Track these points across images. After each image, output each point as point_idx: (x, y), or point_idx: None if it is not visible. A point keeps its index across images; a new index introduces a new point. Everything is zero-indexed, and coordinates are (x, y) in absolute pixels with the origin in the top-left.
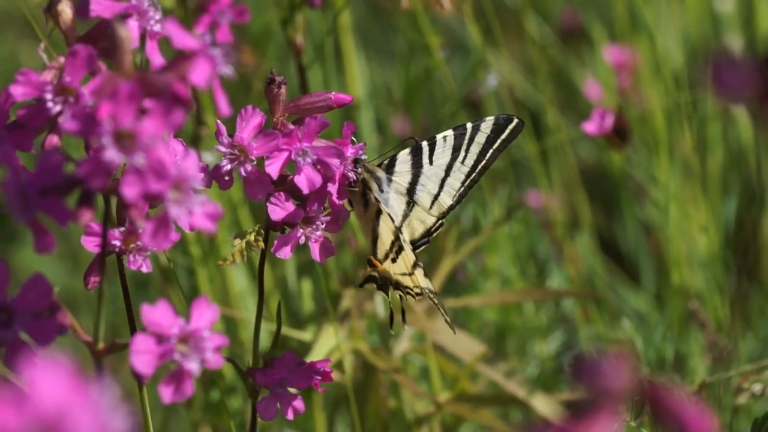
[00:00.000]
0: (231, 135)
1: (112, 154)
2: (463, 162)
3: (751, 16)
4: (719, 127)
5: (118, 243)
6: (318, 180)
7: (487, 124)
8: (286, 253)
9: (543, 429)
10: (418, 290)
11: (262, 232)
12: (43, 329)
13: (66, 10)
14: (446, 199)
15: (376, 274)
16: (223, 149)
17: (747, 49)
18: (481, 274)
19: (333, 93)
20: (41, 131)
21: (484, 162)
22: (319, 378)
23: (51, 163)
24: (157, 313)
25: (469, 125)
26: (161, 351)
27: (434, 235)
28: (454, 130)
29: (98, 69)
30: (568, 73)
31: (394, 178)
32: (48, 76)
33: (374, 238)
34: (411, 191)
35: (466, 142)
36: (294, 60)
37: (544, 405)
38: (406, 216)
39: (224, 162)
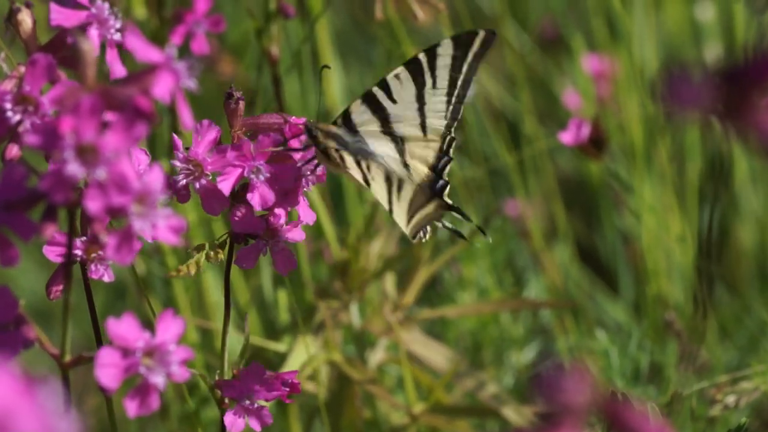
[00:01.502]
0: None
1: (74, 168)
2: (434, 86)
3: (730, 24)
4: (696, 137)
5: (79, 252)
6: (271, 198)
7: (445, 47)
8: (249, 263)
9: None
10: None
11: (225, 243)
12: (7, 342)
13: (26, 20)
14: (437, 122)
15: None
16: (178, 164)
17: (726, 59)
18: (458, 284)
19: (292, 117)
20: (1, 141)
21: (463, 76)
22: (287, 389)
23: (14, 177)
24: (123, 327)
25: (421, 55)
26: (126, 364)
27: (445, 172)
28: (404, 65)
29: (58, 78)
30: (547, 82)
31: (359, 128)
32: (8, 85)
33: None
34: (388, 132)
35: (426, 69)
36: (269, 70)
37: (518, 416)
38: (402, 152)
39: (180, 177)
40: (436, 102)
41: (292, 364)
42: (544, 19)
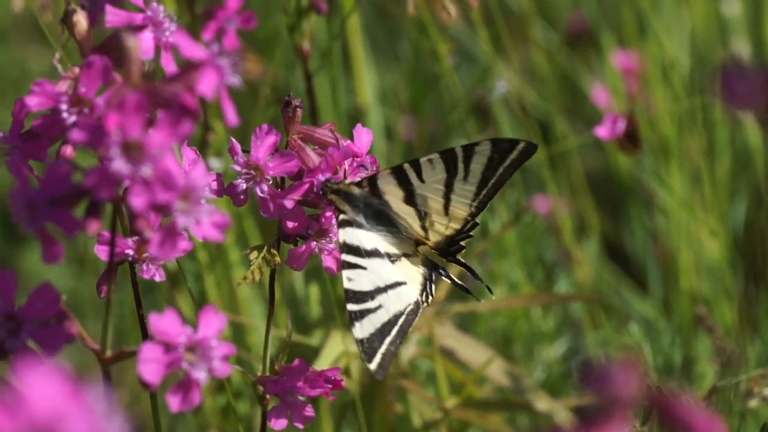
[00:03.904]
0: (245, 151)
1: (119, 165)
2: (465, 179)
3: (758, 20)
4: (727, 132)
5: (131, 252)
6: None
7: (483, 147)
8: (299, 264)
9: None
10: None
11: (275, 244)
12: (50, 338)
13: (81, 21)
14: (460, 208)
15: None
16: (238, 168)
17: (754, 54)
18: (489, 278)
19: (348, 142)
20: (56, 141)
21: (495, 177)
22: (330, 386)
23: (59, 174)
24: (165, 322)
25: (458, 149)
26: (169, 360)
27: (460, 243)
28: (439, 153)
29: (113, 80)
30: (575, 79)
31: (384, 195)
32: (63, 86)
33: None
34: (411, 203)
35: (460, 161)
36: (301, 66)
37: (551, 410)
38: (423, 219)
39: (240, 181)
40: (465, 191)
41: (325, 359)
42: (572, 15)
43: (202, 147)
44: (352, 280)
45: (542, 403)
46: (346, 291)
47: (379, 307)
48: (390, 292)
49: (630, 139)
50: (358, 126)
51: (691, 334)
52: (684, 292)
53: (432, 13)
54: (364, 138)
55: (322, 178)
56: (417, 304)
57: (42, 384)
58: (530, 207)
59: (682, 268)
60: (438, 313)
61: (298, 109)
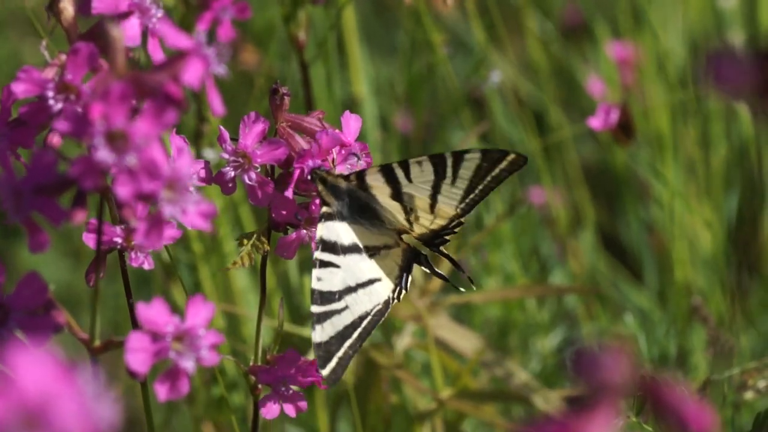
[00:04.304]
0: (233, 139)
1: (104, 155)
2: (453, 184)
3: (753, 12)
4: (722, 124)
5: (119, 240)
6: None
7: (472, 155)
8: (290, 253)
9: (544, 425)
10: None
11: (265, 232)
12: (38, 327)
13: (68, 8)
14: (446, 208)
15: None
16: (226, 156)
17: (749, 45)
18: (484, 270)
19: (335, 130)
20: (43, 128)
21: (483, 185)
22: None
23: (44, 163)
24: (153, 312)
25: (447, 154)
26: (156, 349)
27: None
28: (428, 157)
29: (100, 66)
30: (570, 70)
31: (372, 190)
32: (50, 73)
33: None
34: (398, 199)
35: (449, 166)
36: (296, 57)
37: (545, 401)
38: (408, 214)
39: (228, 169)
40: (452, 194)
41: None
42: (567, 6)
43: (197, 138)
44: (321, 280)
45: (537, 394)
46: (313, 291)
47: (345, 308)
48: (360, 291)
49: (623, 130)
50: (346, 113)
51: (686, 325)
52: (679, 283)
53: (428, 4)
54: (352, 125)
55: (311, 163)
56: (387, 303)
57: (32, 367)
58: (526, 199)
59: (677, 259)
60: (433, 304)
61: (285, 97)
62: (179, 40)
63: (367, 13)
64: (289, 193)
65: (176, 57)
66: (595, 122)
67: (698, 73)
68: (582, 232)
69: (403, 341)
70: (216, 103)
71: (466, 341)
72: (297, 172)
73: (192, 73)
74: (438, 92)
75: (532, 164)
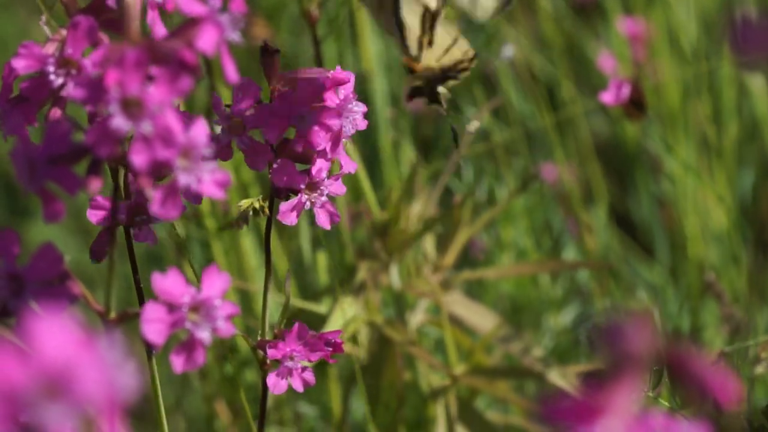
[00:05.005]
0: (227, 105)
1: (119, 122)
2: None
3: None
4: (733, 99)
5: (123, 216)
6: (319, 142)
7: None
8: (291, 219)
9: (560, 401)
10: (466, 63)
11: (267, 198)
12: (54, 297)
13: None
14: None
15: (419, 82)
16: (221, 122)
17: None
18: (497, 246)
19: (331, 71)
20: (44, 104)
21: None
22: (330, 350)
23: (59, 132)
24: (168, 282)
25: None
26: (172, 320)
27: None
28: None
29: (99, 41)
30: (581, 46)
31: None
32: (50, 48)
33: (401, 32)
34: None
35: None
36: (309, 32)
37: (559, 377)
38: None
39: (222, 134)
40: None
41: (333, 326)
42: None
43: (209, 112)
44: None
45: (551, 370)
46: None
47: None
48: None
49: (635, 105)
50: (338, 68)
51: (699, 301)
52: (691, 259)
53: None
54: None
55: (297, 110)
56: None
57: (52, 335)
58: (538, 174)
59: (690, 235)
60: (446, 280)
61: (276, 54)
62: (193, 6)
63: None
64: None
65: (190, 23)
66: (607, 97)
67: (715, 44)
68: (594, 208)
69: (417, 317)
70: (230, 70)
71: (480, 317)
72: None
73: (206, 40)
74: None
75: (544, 140)
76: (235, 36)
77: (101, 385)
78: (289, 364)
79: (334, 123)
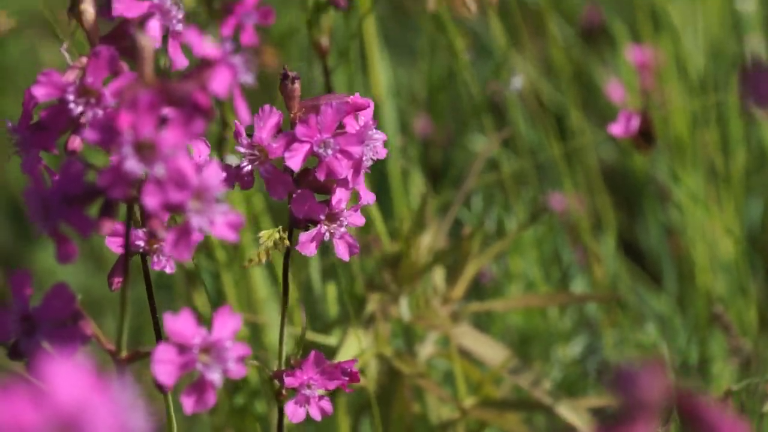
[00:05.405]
0: (250, 135)
1: (132, 165)
2: None
3: None
4: (741, 129)
5: (141, 243)
6: (341, 170)
7: None
8: (311, 250)
9: None
10: None
11: (286, 229)
12: (66, 338)
13: (89, 10)
14: None
15: None
16: (243, 150)
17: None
18: (505, 277)
19: (351, 96)
20: (64, 132)
21: None
22: (347, 378)
23: (72, 173)
24: (180, 323)
25: None
26: (183, 361)
27: None
28: None
29: (120, 69)
30: (590, 74)
31: None
32: (70, 76)
33: None
34: None
35: None
36: (319, 62)
37: (569, 411)
38: None
39: (244, 162)
40: None
41: (343, 358)
42: (587, 9)
43: (220, 144)
44: None
45: (560, 403)
46: None
47: None
48: None
49: (644, 137)
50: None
51: (707, 332)
52: (699, 289)
53: (450, 9)
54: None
55: (320, 137)
56: None
57: (65, 378)
58: (547, 206)
59: (698, 266)
60: (455, 312)
61: (296, 81)
62: (206, 48)
63: (386, 16)
64: (296, 166)
65: (203, 65)
66: (617, 129)
67: (727, 84)
68: (603, 238)
69: (426, 349)
70: (243, 112)
71: (489, 349)
72: (306, 148)
73: (220, 83)
74: (459, 96)
75: (553, 169)
76: (247, 77)
77: (114, 429)
78: (307, 392)
79: (355, 150)
